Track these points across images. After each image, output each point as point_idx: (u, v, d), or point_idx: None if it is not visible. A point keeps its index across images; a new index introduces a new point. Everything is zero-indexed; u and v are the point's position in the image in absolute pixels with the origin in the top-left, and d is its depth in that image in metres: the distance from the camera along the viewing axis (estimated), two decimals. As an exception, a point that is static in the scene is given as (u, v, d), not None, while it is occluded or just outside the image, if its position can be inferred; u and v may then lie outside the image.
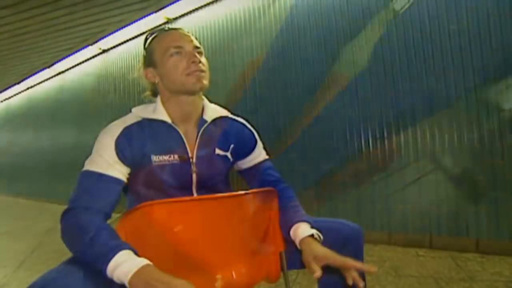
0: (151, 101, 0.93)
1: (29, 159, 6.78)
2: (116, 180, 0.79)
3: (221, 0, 3.16)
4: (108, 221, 0.75)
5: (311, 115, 2.59)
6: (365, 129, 2.33)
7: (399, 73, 2.20)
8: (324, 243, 0.82)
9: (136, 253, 0.65)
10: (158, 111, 0.88)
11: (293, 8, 2.69)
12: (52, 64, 5.25)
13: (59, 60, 5.04)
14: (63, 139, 5.57)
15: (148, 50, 0.91)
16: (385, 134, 2.25)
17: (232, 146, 0.95)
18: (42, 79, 6.05)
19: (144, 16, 3.61)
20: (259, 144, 1.02)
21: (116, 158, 0.79)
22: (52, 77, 5.86)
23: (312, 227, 0.83)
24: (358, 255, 0.85)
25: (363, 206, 2.34)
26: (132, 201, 0.89)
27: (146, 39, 0.93)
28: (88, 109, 4.98)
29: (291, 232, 0.83)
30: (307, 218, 0.85)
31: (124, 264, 0.61)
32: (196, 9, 3.37)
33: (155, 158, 0.84)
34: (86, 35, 4.28)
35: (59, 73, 5.64)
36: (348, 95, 2.41)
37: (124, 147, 0.80)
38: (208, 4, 3.26)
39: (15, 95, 7.20)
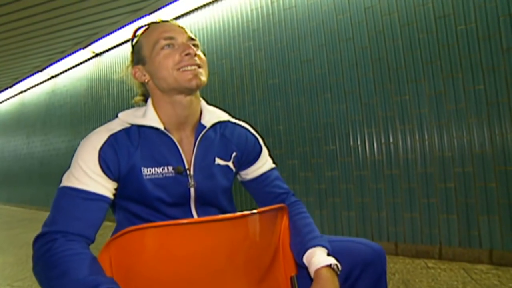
0: (140, 105, 0.81)
1: (20, 164, 6.60)
2: (101, 197, 0.67)
3: (217, 2, 3.06)
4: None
5: (313, 119, 2.48)
6: (369, 134, 2.23)
7: (405, 76, 2.11)
8: (343, 267, 0.71)
9: None
10: (149, 116, 0.75)
11: (293, 9, 2.60)
12: (44, 68, 5.13)
13: (51, 64, 4.92)
14: (55, 145, 5.42)
15: (137, 46, 0.80)
16: (391, 139, 2.15)
17: (234, 154, 0.84)
18: (34, 83, 5.93)
19: (138, 19, 3.51)
20: (265, 151, 0.90)
21: (100, 172, 0.67)
22: (44, 81, 5.74)
23: (329, 253, 0.71)
24: (381, 281, 0.75)
25: (368, 215, 2.23)
26: (121, 220, 0.77)
27: (134, 35, 0.82)
28: (81, 113, 4.85)
29: (305, 258, 0.72)
30: (323, 241, 0.73)
31: None
32: (191, 11, 3.27)
33: (146, 171, 0.72)
34: (78, 38, 4.17)
35: (51, 77, 5.52)
36: (351, 99, 2.31)
37: (110, 159, 0.68)
38: (203, 6, 3.16)
39: (6, 99, 7.05)
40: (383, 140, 2.18)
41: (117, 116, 0.77)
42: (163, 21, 0.81)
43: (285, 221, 0.79)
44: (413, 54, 2.08)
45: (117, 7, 3.39)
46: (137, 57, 0.79)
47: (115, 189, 0.72)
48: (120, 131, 0.73)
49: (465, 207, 1.90)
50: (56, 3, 3.21)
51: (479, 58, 1.89)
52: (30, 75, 5.50)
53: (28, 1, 3.11)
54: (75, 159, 0.68)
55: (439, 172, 1.99)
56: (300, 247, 0.73)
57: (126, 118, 0.76)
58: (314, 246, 0.72)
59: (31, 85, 6.04)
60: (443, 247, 1.96)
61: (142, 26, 0.82)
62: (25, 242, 3.34)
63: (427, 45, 2.04)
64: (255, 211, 0.65)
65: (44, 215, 5.17)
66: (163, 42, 0.74)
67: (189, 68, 0.72)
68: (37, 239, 0.61)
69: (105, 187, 0.68)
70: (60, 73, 5.29)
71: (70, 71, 5.09)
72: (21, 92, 6.47)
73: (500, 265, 1.76)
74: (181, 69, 0.72)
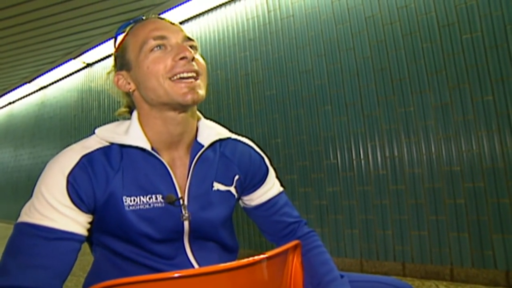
0: (125, 118, 0.67)
1: (6, 177, 6.38)
2: (71, 236, 0.53)
3: (213, 11, 2.98)
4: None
5: (312, 132, 2.37)
6: (373, 148, 2.13)
7: (409, 86, 2.02)
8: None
9: None
10: (133, 134, 0.61)
11: (290, 18, 2.52)
12: (33, 79, 4.99)
13: (40, 75, 4.80)
14: (44, 158, 5.24)
15: (121, 48, 0.65)
16: (395, 153, 2.05)
17: (236, 177, 0.70)
18: (23, 95, 5.78)
19: (130, 28, 3.41)
20: (271, 173, 0.77)
21: (69, 203, 0.53)
22: (33, 92, 5.60)
23: None
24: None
25: (373, 233, 2.11)
26: (99, 258, 0.63)
27: (116, 35, 0.68)
28: (71, 125, 4.70)
29: None
30: (345, 285, 0.61)
31: None
32: (186, 20, 3.18)
33: (128, 201, 0.58)
34: (68, 48, 4.06)
35: (41, 88, 5.38)
36: (353, 111, 2.21)
37: (81, 186, 0.55)
38: (198, 15, 3.08)
39: (-6, 111, 6.86)
40: (387, 154, 2.08)
41: (93, 132, 0.63)
42: (153, 17, 0.66)
43: (297, 259, 0.66)
44: (417, 64, 2.00)
45: (108, 16, 3.30)
46: (121, 61, 0.65)
47: (90, 223, 0.58)
48: (96, 150, 0.59)
49: (477, 225, 1.79)
50: (45, 12, 3.10)
51: (487, 68, 1.81)
52: (19, 86, 5.35)
53: (16, 10, 3.00)
54: (38, 187, 0.55)
55: (447, 187, 1.88)
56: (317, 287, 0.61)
57: (104, 135, 0.62)
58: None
59: (19, 96, 5.89)
60: (455, 268, 1.84)
61: (128, 23, 0.68)
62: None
63: (431, 54, 1.96)
64: (266, 255, 0.52)
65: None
66: (153, 43, 0.60)
67: (184, 76, 0.58)
68: None
69: (76, 222, 0.54)
70: (50, 84, 5.15)
71: (60, 82, 4.96)
72: (10, 103, 6.30)
73: (518, 288, 1.65)
74: (174, 78, 0.58)
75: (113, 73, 0.68)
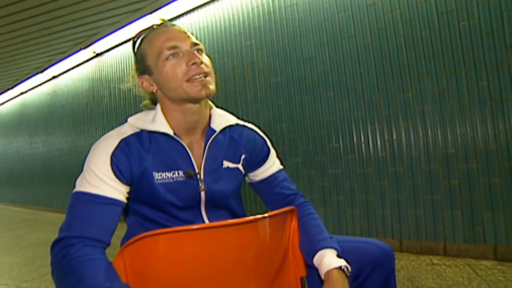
0: (148, 109, 0.81)
1: (23, 165, 6.63)
2: (115, 202, 0.68)
3: (218, 0, 3.06)
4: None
5: (316, 117, 2.49)
6: (373, 132, 2.24)
7: (408, 73, 2.11)
8: (352, 267, 0.72)
9: None
10: (158, 122, 0.76)
11: (294, 6, 2.59)
12: (45, 69, 5.14)
13: (52, 65, 4.93)
14: (58, 145, 5.43)
15: (139, 55, 0.78)
16: (394, 137, 2.15)
17: (243, 156, 0.84)
18: (35, 84, 5.93)
19: (138, 18, 3.50)
20: (272, 153, 0.91)
21: (112, 176, 0.68)
22: (45, 82, 5.74)
23: (338, 255, 0.72)
24: (390, 280, 0.76)
25: (372, 212, 2.24)
26: (132, 223, 0.78)
27: (134, 42, 0.80)
28: (83, 114, 4.85)
29: (315, 260, 0.72)
30: (333, 243, 0.74)
31: None
32: (192, 10, 3.27)
33: (157, 176, 0.73)
34: (79, 39, 4.17)
35: (52, 78, 5.52)
36: (354, 97, 2.31)
37: (121, 163, 0.69)
38: (204, 4, 3.16)
39: (8, 100, 7.06)
40: (386, 138, 2.19)
41: (126, 121, 0.78)
42: (163, 25, 0.78)
43: (294, 223, 0.79)
44: (416, 51, 2.08)
45: (117, 7, 3.39)
46: (142, 67, 0.78)
47: (128, 193, 0.73)
48: (131, 135, 0.74)
49: (470, 203, 1.91)
50: (56, 4, 3.21)
51: (482, 54, 1.89)
52: (31, 76, 5.51)
53: (28, 2, 3.11)
54: (87, 164, 0.69)
55: (443, 169, 2.00)
56: (310, 248, 0.74)
57: (136, 123, 0.76)
58: (324, 248, 0.72)
59: (32, 86, 6.05)
60: (448, 244, 1.97)
61: (142, 33, 0.80)
62: (30, 242, 3.37)
63: (429, 42, 2.04)
64: (265, 215, 0.66)
65: (48, 215, 5.20)
66: (167, 53, 0.73)
67: (197, 77, 0.72)
68: (54, 244, 0.62)
69: (119, 191, 0.69)
70: (61, 73, 5.29)
71: (71, 71, 5.09)
72: (22, 93, 6.48)
73: (504, 261, 1.77)
74: (190, 80, 0.72)
75: (136, 76, 0.81)
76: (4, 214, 6.03)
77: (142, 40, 0.79)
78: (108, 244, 0.65)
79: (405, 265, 1.90)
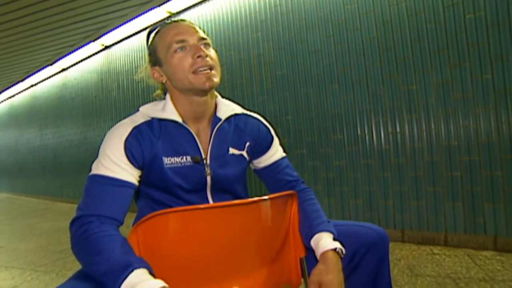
0: (160, 98, 0.87)
1: (34, 156, 6.78)
2: (128, 184, 0.73)
3: (225, -8, 3.08)
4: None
5: (321, 109, 2.52)
6: (376, 124, 2.26)
7: (412, 66, 2.12)
8: (348, 249, 0.77)
9: (150, 270, 0.59)
10: (168, 110, 0.82)
11: (300, -1, 2.60)
12: (55, 61, 5.23)
13: (62, 57, 5.02)
14: (68, 136, 5.55)
15: (152, 47, 0.85)
16: (398, 129, 2.18)
17: (247, 144, 0.90)
18: (45, 77, 6.04)
19: (147, 11, 3.55)
20: (276, 141, 0.96)
21: (126, 160, 0.73)
22: (55, 74, 5.84)
23: (334, 238, 0.77)
24: (383, 262, 0.80)
25: (375, 203, 2.28)
26: (143, 207, 0.84)
27: (148, 36, 0.87)
28: (92, 106, 4.94)
29: (312, 242, 0.77)
30: (330, 227, 0.79)
31: (137, 286, 0.55)
32: (199, 3, 3.30)
33: (166, 160, 0.78)
34: (88, 31, 4.23)
35: (62, 70, 5.62)
36: (359, 89, 2.34)
37: (134, 148, 0.75)
38: (212, -3, 3.18)
39: (18, 93, 7.20)
40: (390, 130, 2.22)
41: (138, 110, 0.83)
42: (175, 21, 0.84)
43: (294, 207, 0.84)
44: (421, 44, 2.09)
45: (125, 0, 3.43)
46: (154, 59, 0.84)
47: (140, 177, 0.78)
48: (143, 123, 0.79)
49: (471, 195, 1.94)
50: (66, -2, 3.26)
51: (488, 46, 1.90)
52: (41, 69, 5.61)
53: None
54: (102, 149, 0.75)
55: (445, 160, 2.02)
56: (308, 231, 0.79)
57: (147, 112, 0.82)
58: (321, 231, 0.77)
59: (42, 79, 6.15)
60: (449, 234, 2.01)
61: (155, 27, 0.86)
62: (43, 231, 3.49)
63: (434, 34, 2.05)
64: (266, 197, 0.71)
65: (58, 205, 5.34)
66: (176, 46, 0.79)
67: (202, 70, 0.77)
68: (73, 221, 0.68)
69: (131, 175, 0.74)
70: (71, 66, 5.38)
71: (80, 64, 5.17)
72: (33, 85, 6.59)
73: (504, 251, 1.81)
74: (195, 72, 0.77)
75: (148, 67, 0.87)
76: (17, 204, 6.21)
77: (155, 34, 0.85)
78: (122, 223, 0.71)
79: (405, 254, 1.95)
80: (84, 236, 0.64)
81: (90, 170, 0.73)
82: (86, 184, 0.72)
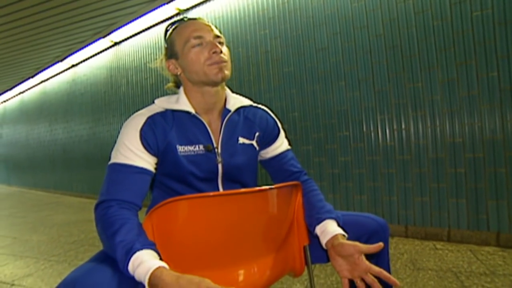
0: (174, 93, 0.92)
1: (44, 151, 6.91)
2: (144, 170, 0.78)
3: (233, -10, 3.12)
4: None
5: (327, 106, 2.55)
6: (382, 121, 2.29)
7: (418, 63, 2.14)
8: (350, 236, 0.81)
9: (155, 251, 0.64)
10: (182, 102, 0.87)
11: (307, -3, 2.63)
12: (65, 58, 5.32)
13: (72, 54, 5.11)
14: (77, 132, 5.65)
15: (169, 42, 0.90)
16: (403, 126, 2.20)
17: (257, 134, 0.94)
18: (55, 73, 6.14)
19: (156, 8, 3.60)
20: (282, 133, 1.01)
21: (142, 148, 0.79)
22: (64, 70, 5.94)
23: (339, 225, 0.81)
24: (383, 250, 0.84)
25: (380, 198, 2.31)
26: (156, 196, 0.89)
27: (166, 30, 0.92)
28: (101, 101, 5.03)
29: (317, 229, 0.82)
30: (334, 214, 0.84)
31: (139, 267, 0.60)
32: (208, 0, 3.34)
33: (180, 148, 0.83)
34: (97, 28, 4.31)
35: (72, 66, 5.71)
36: (365, 86, 2.36)
37: (149, 137, 0.80)
38: (220, -6, 3.22)
39: (29, 88, 7.33)
40: (395, 127, 2.24)
41: (153, 102, 0.89)
42: (192, 19, 0.90)
43: (299, 197, 0.89)
44: (427, 42, 2.11)
45: (135, -3, 3.49)
46: (170, 52, 0.90)
47: (156, 164, 0.83)
48: (157, 113, 0.85)
49: (475, 191, 1.96)
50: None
51: (494, 44, 1.91)
52: (51, 65, 5.71)
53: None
54: (120, 139, 0.80)
55: (449, 157, 2.04)
56: (314, 218, 0.84)
57: (161, 104, 0.87)
58: (327, 218, 0.82)
59: (52, 75, 6.26)
60: (452, 230, 2.03)
61: (174, 23, 0.92)
62: (54, 223, 3.58)
63: (441, 32, 2.07)
64: (272, 186, 0.75)
65: (68, 199, 5.45)
66: (193, 41, 0.84)
67: (216, 64, 0.83)
68: (97, 205, 0.74)
69: (147, 162, 0.80)
70: (80, 62, 5.47)
71: (90, 60, 5.26)
72: (43, 81, 6.71)
73: (506, 247, 1.83)
74: (209, 65, 0.83)
75: (164, 59, 0.92)
76: (28, 197, 6.34)
77: (172, 29, 0.91)
78: (140, 207, 0.76)
79: (409, 249, 1.98)
80: (104, 218, 0.69)
81: (109, 159, 0.78)
82: (106, 172, 0.77)
